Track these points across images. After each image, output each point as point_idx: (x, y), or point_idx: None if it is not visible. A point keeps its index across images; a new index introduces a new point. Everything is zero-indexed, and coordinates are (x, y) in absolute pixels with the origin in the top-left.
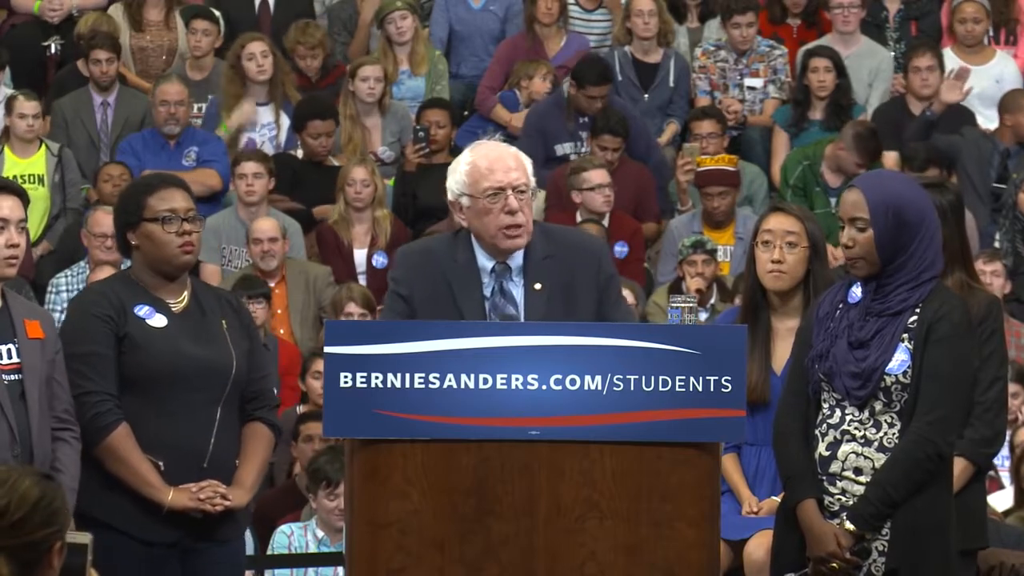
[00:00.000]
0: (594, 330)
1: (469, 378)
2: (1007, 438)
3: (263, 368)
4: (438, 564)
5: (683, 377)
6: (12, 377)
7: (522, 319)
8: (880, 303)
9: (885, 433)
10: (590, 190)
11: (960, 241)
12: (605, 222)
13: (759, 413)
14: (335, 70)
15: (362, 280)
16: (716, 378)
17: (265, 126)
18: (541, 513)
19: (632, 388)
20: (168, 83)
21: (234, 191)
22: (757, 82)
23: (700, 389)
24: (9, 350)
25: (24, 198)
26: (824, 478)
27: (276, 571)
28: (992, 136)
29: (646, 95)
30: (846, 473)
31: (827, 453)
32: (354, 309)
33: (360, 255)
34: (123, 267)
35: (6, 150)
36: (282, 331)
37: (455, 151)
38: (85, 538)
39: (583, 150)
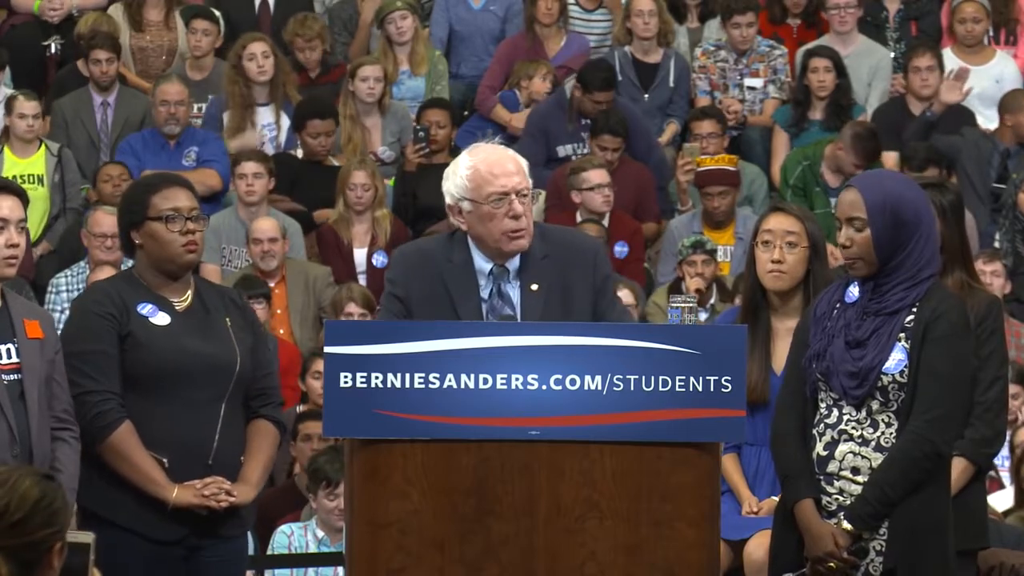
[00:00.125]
0: (594, 330)
1: (469, 378)
2: (1007, 438)
3: (267, 365)
4: (438, 564)
5: (683, 377)
6: (11, 377)
7: (519, 320)
8: (877, 302)
9: (882, 433)
10: (589, 190)
11: (960, 241)
12: (605, 222)
13: (759, 413)
14: (335, 68)
15: (362, 280)
16: (716, 378)
17: (265, 126)
18: (541, 513)
19: (632, 388)
20: (168, 83)
21: (234, 191)
22: (757, 82)
23: (700, 389)
24: (9, 350)
25: (24, 198)
26: (822, 478)
27: (276, 571)
28: (992, 136)
29: (646, 95)
30: (844, 473)
31: (824, 453)
32: (354, 309)
33: (360, 255)
34: (123, 267)
35: (6, 150)
36: (282, 331)
37: (455, 151)
38: (87, 538)
39: (584, 151)
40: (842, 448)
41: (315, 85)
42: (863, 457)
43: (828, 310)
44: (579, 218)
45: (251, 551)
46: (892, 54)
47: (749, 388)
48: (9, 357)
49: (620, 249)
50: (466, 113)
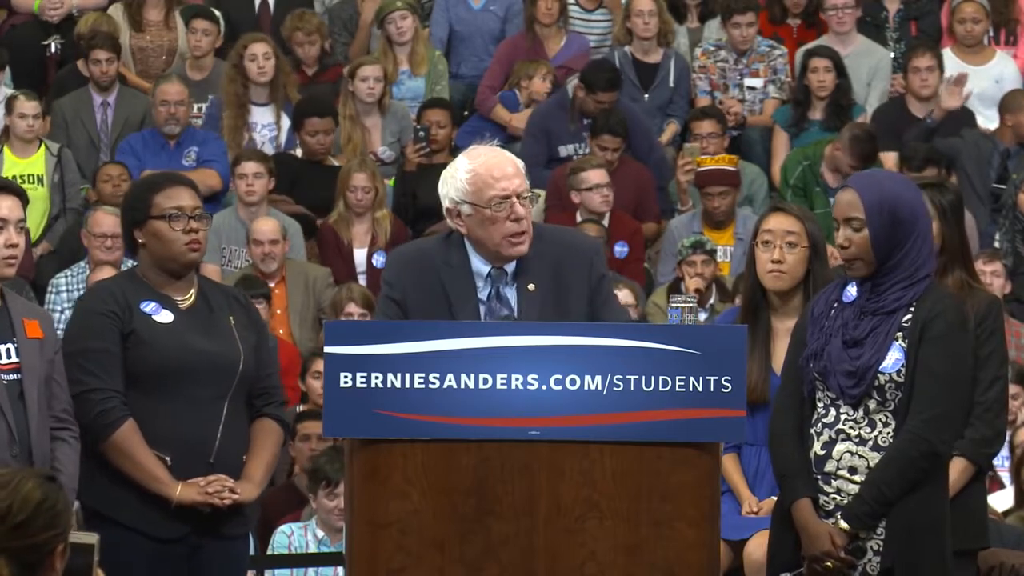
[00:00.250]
0: (594, 330)
1: (469, 378)
2: (1007, 438)
3: (271, 364)
4: (438, 564)
5: (683, 377)
6: (11, 377)
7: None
8: (875, 302)
9: (880, 432)
10: (588, 190)
11: (960, 241)
12: (605, 222)
13: (759, 413)
14: (333, 68)
15: (362, 280)
16: (716, 378)
17: (265, 126)
18: (541, 513)
19: (632, 388)
20: (168, 83)
21: (234, 191)
22: (757, 82)
23: (700, 389)
24: (8, 350)
25: (23, 198)
26: (819, 477)
27: (276, 571)
28: (992, 136)
29: (646, 95)
30: (841, 472)
31: (822, 452)
32: (354, 309)
33: (360, 255)
34: (123, 267)
35: (6, 150)
36: (282, 331)
37: (455, 151)
38: (91, 538)
39: (586, 151)
40: (839, 447)
41: (313, 83)
42: (860, 456)
43: (826, 310)
44: (579, 218)
45: (251, 551)
46: (892, 54)
47: (749, 388)
48: (9, 357)
49: (620, 249)
50: (466, 113)
